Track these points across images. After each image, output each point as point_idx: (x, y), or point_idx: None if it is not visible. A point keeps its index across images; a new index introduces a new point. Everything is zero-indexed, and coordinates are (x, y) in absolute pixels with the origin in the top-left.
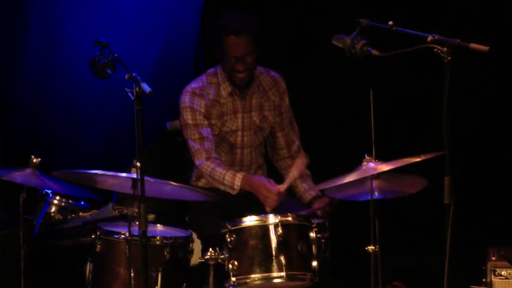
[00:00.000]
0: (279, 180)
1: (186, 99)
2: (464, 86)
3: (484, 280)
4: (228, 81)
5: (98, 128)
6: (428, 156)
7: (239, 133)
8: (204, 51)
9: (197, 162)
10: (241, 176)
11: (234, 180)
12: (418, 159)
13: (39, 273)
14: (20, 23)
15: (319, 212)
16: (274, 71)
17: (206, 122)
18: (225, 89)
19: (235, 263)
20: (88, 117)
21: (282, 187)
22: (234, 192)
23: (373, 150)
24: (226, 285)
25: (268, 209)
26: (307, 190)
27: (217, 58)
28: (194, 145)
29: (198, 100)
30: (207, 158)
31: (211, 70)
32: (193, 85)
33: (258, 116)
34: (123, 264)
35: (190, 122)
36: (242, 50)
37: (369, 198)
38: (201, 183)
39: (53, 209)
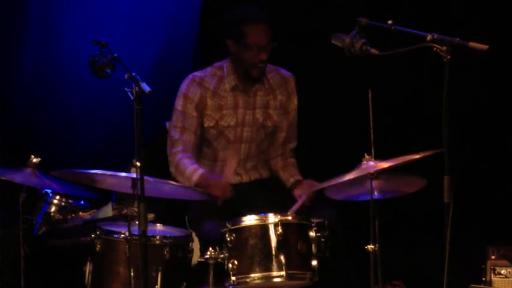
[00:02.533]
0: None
1: (184, 85)
2: (464, 84)
3: (483, 279)
4: (235, 74)
5: (97, 127)
6: (427, 153)
7: (238, 128)
8: (203, 51)
9: (171, 150)
10: (200, 173)
11: (192, 175)
12: (418, 157)
13: (38, 272)
14: (19, 22)
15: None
16: (285, 69)
17: (195, 114)
18: (229, 83)
19: (235, 262)
20: (87, 116)
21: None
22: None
23: (372, 150)
24: (226, 284)
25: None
26: (292, 176)
27: (230, 51)
28: (175, 134)
29: (194, 88)
30: (182, 150)
31: (217, 63)
32: (196, 73)
33: (262, 113)
34: (122, 264)
35: (179, 108)
36: (266, 38)
37: (369, 198)
38: None
39: (53, 208)
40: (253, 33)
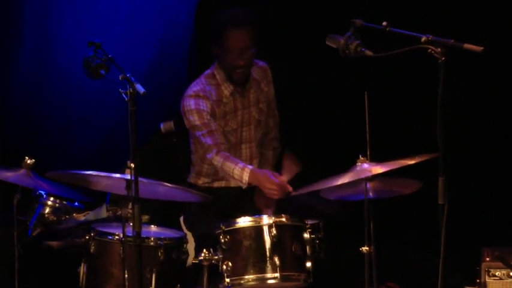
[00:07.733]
0: None
1: (190, 102)
2: (459, 86)
3: (478, 281)
4: (228, 80)
5: (92, 129)
6: (423, 158)
7: (238, 130)
8: (199, 52)
9: (208, 156)
10: (249, 171)
11: (242, 175)
12: (413, 162)
13: (33, 274)
14: (15, 23)
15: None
16: (259, 60)
17: (213, 120)
18: (227, 89)
19: (229, 263)
20: (82, 118)
21: (284, 178)
22: (244, 187)
23: (368, 151)
24: (220, 286)
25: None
26: None
27: (214, 55)
28: (205, 141)
29: (203, 101)
30: (217, 152)
31: (207, 72)
32: (195, 88)
33: (256, 110)
34: (117, 265)
35: (197, 123)
36: (245, 43)
37: (363, 198)
38: (201, 181)
39: (47, 210)
40: (232, 37)
